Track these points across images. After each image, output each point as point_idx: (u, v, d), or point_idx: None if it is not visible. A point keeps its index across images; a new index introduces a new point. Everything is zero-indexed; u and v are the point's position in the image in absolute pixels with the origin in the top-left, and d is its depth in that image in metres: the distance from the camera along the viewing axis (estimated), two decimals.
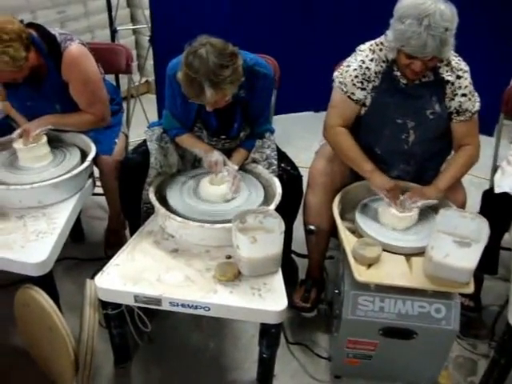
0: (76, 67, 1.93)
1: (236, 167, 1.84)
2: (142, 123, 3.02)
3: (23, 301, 1.72)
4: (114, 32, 3.05)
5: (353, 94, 1.79)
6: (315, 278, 2.06)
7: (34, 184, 1.81)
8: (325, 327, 2.02)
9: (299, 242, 2.13)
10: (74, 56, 1.92)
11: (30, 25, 1.93)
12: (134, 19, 3.85)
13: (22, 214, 1.81)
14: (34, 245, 1.68)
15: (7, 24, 1.75)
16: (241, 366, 1.89)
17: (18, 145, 1.92)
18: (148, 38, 3.00)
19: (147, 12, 2.94)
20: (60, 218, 1.80)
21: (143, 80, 3.76)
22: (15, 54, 1.76)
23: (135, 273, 1.59)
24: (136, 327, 1.75)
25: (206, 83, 1.57)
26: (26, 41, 1.82)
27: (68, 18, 3.38)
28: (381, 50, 1.75)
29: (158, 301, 1.53)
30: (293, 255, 2.19)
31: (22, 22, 1.86)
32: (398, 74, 1.74)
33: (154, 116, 2.94)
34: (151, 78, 3.76)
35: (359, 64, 1.77)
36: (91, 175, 2.05)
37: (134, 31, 3.86)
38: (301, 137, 3.24)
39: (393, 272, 1.58)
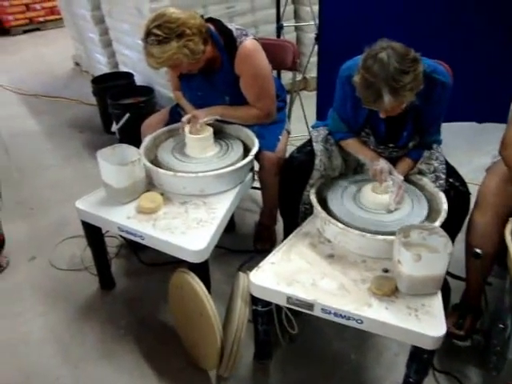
0: (249, 61, 1.97)
1: (401, 177, 1.75)
2: (300, 120, 3.05)
3: (178, 283, 1.80)
4: (279, 28, 3.09)
5: None
6: (472, 305, 1.91)
7: (199, 173, 1.88)
8: (477, 360, 1.85)
9: (453, 262, 1.98)
10: (249, 51, 1.96)
11: (209, 19, 2.02)
12: (297, 16, 3.87)
13: (185, 201, 1.89)
14: (195, 232, 1.75)
15: (190, 19, 1.84)
16: None
17: (187, 132, 2.01)
18: (311, 35, 3.00)
19: (315, 8, 2.92)
20: (220, 208, 1.85)
21: (301, 77, 3.76)
22: (195, 47, 1.84)
23: (290, 274, 1.59)
24: (281, 326, 1.75)
25: (385, 89, 1.50)
26: (205, 35, 1.90)
27: (236, 13, 3.51)
28: None
29: (310, 306, 1.51)
30: (447, 276, 2.04)
31: (202, 16, 1.94)
32: None
33: (311, 113, 2.93)
34: (309, 75, 3.76)
35: None
36: (252, 169, 2.08)
37: (296, 28, 3.88)
38: (461, 149, 3.03)
39: None
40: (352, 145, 1.89)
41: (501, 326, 1.59)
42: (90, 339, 1.99)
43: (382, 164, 1.76)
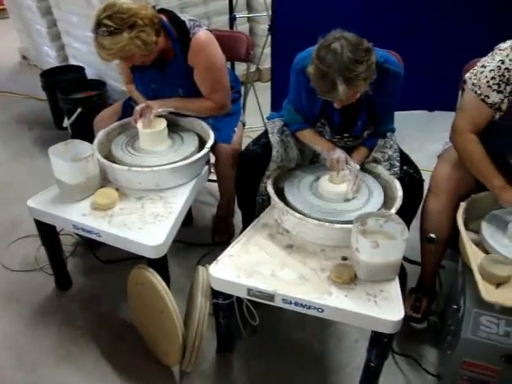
0: (203, 53, 1.95)
1: (358, 166, 1.77)
2: (254, 111, 3.04)
3: (137, 280, 1.77)
4: (232, 19, 3.06)
5: (487, 97, 1.65)
6: (428, 288, 1.96)
7: (154, 167, 1.85)
8: (434, 341, 1.91)
9: (409, 248, 2.02)
10: (202, 42, 1.94)
11: (161, 10, 1.98)
12: (249, 7, 3.85)
13: (141, 196, 1.86)
14: (152, 227, 1.72)
15: (142, 10, 1.80)
16: (342, 370, 1.83)
17: (140, 126, 1.97)
18: (264, 27, 2.98)
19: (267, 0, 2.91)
20: (177, 202, 1.83)
21: (255, 68, 3.75)
22: (147, 38, 1.80)
23: (249, 265, 1.58)
24: (243, 318, 1.75)
25: (339, 79, 1.51)
26: (157, 26, 1.86)
27: (188, 5, 3.45)
28: None
29: (271, 297, 1.51)
30: (403, 261, 2.09)
31: (154, 7, 1.90)
32: None
33: (266, 105, 2.93)
34: (263, 66, 3.75)
35: (497, 64, 1.62)
36: (208, 162, 2.06)
37: (249, 19, 3.86)
38: (414, 136, 3.10)
39: None
40: (308, 136, 1.89)
41: (454, 306, 1.63)
42: (47, 342, 1.93)
43: (339, 154, 1.78)
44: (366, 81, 1.57)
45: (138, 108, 1.99)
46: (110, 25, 1.74)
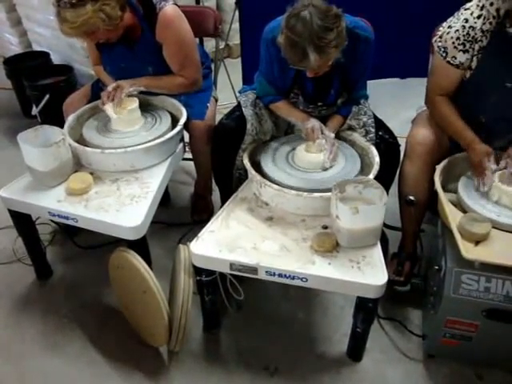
0: (171, 28, 1.91)
1: (333, 135, 1.76)
2: (225, 87, 3.00)
3: (118, 263, 1.75)
4: None
5: (454, 58, 1.66)
6: (409, 252, 1.98)
7: (128, 148, 1.82)
8: (418, 303, 1.94)
9: (389, 214, 2.04)
10: (170, 17, 1.89)
11: None
12: None
13: (116, 178, 1.83)
14: (129, 209, 1.70)
15: None
16: (330, 339, 1.85)
17: (110, 108, 1.92)
18: (231, 1, 2.93)
19: None
20: (153, 182, 1.81)
21: (223, 44, 3.70)
22: (111, 12, 1.75)
23: (230, 240, 1.58)
24: (227, 294, 1.74)
25: (310, 47, 1.49)
26: (122, 0, 1.80)
27: None
28: (491, 4, 1.58)
29: (254, 269, 1.51)
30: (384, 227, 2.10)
31: None
32: (511, 30, 1.58)
33: (237, 81, 2.89)
34: (232, 42, 3.71)
35: (462, 24, 1.62)
36: (182, 139, 2.04)
37: None
38: (387, 104, 3.09)
39: (505, 251, 1.46)
40: (282, 107, 1.88)
41: (436, 267, 1.65)
42: (31, 333, 1.90)
43: (313, 123, 1.77)
44: (338, 48, 1.55)
45: (108, 89, 1.95)
46: None
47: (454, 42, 1.64)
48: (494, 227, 1.53)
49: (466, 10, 1.64)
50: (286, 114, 1.88)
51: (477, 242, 1.50)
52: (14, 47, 3.89)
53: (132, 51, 1.97)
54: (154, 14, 1.89)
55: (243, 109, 1.88)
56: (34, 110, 2.93)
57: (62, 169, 1.79)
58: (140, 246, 1.72)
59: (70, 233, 2.23)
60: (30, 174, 1.82)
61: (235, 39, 3.58)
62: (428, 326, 1.78)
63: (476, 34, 1.61)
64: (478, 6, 1.61)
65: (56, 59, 3.40)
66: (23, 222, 1.93)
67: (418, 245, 1.99)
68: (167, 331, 1.65)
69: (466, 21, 1.61)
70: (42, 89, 2.94)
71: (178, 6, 1.97)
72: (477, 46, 1.63)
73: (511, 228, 1.53)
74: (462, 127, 1.70)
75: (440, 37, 1.68)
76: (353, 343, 1.73)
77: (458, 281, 1.53)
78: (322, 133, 1.75)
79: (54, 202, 1.75)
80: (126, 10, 1.83)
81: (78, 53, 3.16)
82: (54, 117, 2.24)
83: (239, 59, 2.91)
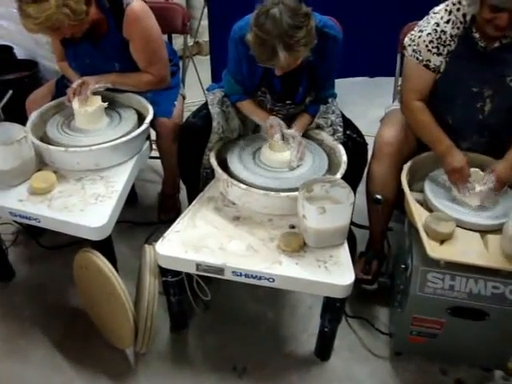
0: (138, 24, 1.87)
1: (297, 133, 1.76)
2: (194, 84, 2.97)
3: (82, 264, 1.72)
4: None
5: (429, 61, 1.67)
6: (376, 250, 1.99)
7: (92, 146, 1.78)
8: (385, 301, 1.95)
9: (356, 212, 2.05)
10: (137, 13, 1.86)
11: None
12: None
13: (80, 177, 1.79)
14: (94, 208, 1.66)
15: None
16: (298, 338, 1.85)
17: (75, 105, 1.88)
18: None
19: None
20: (118, 181, 1.78)
21: (192, 41, 3.67)
22: (76, 6, 1.71)
23: (197, 240, 1.56)
24: (194, 294, 1.72)
25: (280, 46, 1.48)
26: None
27: None
28: (458, 9, 1.61)
29: (220, 270, 1.49)
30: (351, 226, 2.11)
31: None
32: (477, 35, 1.60)
33: (206, 79, 2.87)
34: (202, 39, 3.68)
35: (433, 28, 1.63)
36: (148, 138, 2.00)
37: None
38: (356, 103, 3.13)
39: (468, 250, 1.49)
40: (247, 107, 1.87)
41: (403, 266, 1.67)
42: None
43: (273, 120, 1.77)
44: (307, 46, 1.55)
45: (73, 85, 1.90)
46: None
47: (427, 46, 1.65)
48: (458, 226, 1.55)
49: (435, 13, 1.65)
50: (249, 113, 1.87)
51: (442, 241, 1.52)
52: None
53: (97, 47, 1.93)
54: (121, 9, 1.85)
55: (210, 107, 1.86)
56: None
57: (24, 167, 1.74)
58: (105, 246, 1.69)
59: (33, 233, 2.17)
60: None
61: (205, 36, 3.54)
62: (395, 324, 1.79)
63: (446, 38, 1.63)
64: (446, 10, 1.63)
65: (20, 54, 3.30)
66: None
67: (385, 243, 2.00)
68: (133, 333, 1.62)
69: (438, 25, 1.63)
70: (4, 84, 2.85)
71: (146, 2, 1.94)
72: (446, 50, 1.65)
73: (474, 227, 1.56)
74: (439, 134, 1.70)
75: (412, 40, 1.69)
76: (321, 342, 1.73)
77: (423, 279, 1.54)
78: (282, 130, 1.75)
79: (15, 202, 1.69)
80: (91, 5, 1.79)
81: (43, 48, 3.08)
82: (17, 113, 2.18)
83: (208, 57, 2.89)
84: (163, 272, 1.61)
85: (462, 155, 1.67)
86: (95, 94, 1.92)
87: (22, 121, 1.88)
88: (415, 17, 1.81)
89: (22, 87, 2.80)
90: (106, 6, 1.86)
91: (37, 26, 1.69)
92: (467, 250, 1.49)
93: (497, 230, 1.54)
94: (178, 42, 3.00)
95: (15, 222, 2.17)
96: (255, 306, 1.96)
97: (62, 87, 2.11)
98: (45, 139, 1.88)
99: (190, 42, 3.25)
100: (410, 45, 1.70)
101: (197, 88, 3.01)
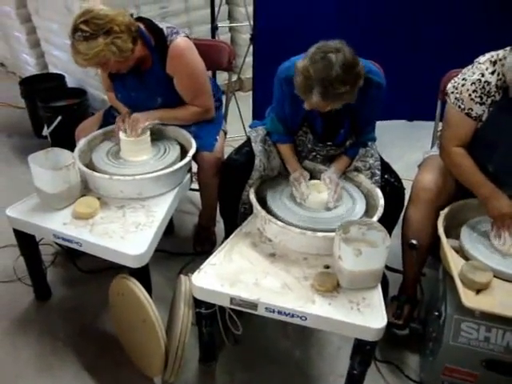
0: (182, 60, 1.95)
1: (338, 175, 1.78)
2: (236, 120, 3.05)
3: (119, 289, 1.75)
4: (214, 28, 3.07)
5: (471, 109, 1.68)
6: (409, 295, 1.97)
7: (136, 176, 1.84)
8: (415, 348, 1.92)
9: (391, 256, 2.04)
10: (180, 49, 1.94)
11: (139, 19, 1.98)
12: (231, 16, 3.87)
13: (122, 205, 1.85)
14: (133, 236, 1.71)
15: (119, 16, 1.80)
16: (325, 379, 1.83)
17: (122, 136, 1.96)
18: (245, 36, 3.00)
19: (249, 9, 2.93)
20: (159, 211, 1.82)
21: (236, 78, 3.77)
22: (122, 45, 1.80)
23: (232, 274, 1.58)
24: (225, 327, 1.74)
25: (317, 88, 1.52)
26: (134, 33, 1.86)
27: (169, 14, 3.45)
28: (503, 65, 1.62)
29: (254, 305, 1.51)
30: (385, 269, 2.10)
31: (131, 15, 1.90)
32: None
33: (247, 114, 2.94)
34: (244, 75, 3.77)
35: (478, 78, 1.64)
36: (190, 170, 2.06)
37: (231, 29, 3.88)
38: (393, 145, 3.14)
39: (505, 301, 1.46)
40: (283, 151, 1.92)
41: (436, 313, 1.65)
42: (26, 354, 1.89)
43: (297, 174, 1.82)
44: (342, 102, 1.58)
45: (125, 122, 1.99)
46: (86, 30, 1.74)
47: (470, 95, 1.66)
48: (495, 276, 1.53)
49: (480, 64, 1.66)
50: (284, 159, 1.92)
51: (478, 291, 1.50)
52: (31, 68, 3.98)
53: (142, 82, 2.01)
54: (165, 46, 1.93)
55: (252, 144, 1.90)
56: (45, 131, 2.98)
57: (70, 192, 1.81)
58: (142, 274, 1.73)
59: (72, 255, 2.24)
60: (38, 195, 1.83)
61: (247, 73, 3.64)
62: (426, 372, 1.76)
63: (491, 88, 1.63)
64: (490, 61, 1.64)
65: (71, 82, 3.46)
66: (27, 242, 1.95)
67: (418, 289, 1.98)
68: (163, 361, 1.64)
69: (482, 75, 1.63)
70: (54, 110, 2.99)
71: (190, 39, 2.02)
72: (489, 100, 1.65)
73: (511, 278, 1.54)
74: (481, 178, 1.71)
75: (455, 88, 1.70)
76: None
77: (457, 328, 1.53)
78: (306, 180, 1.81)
79: (59, 225, 1.76)
80: (137, 43, 1.88)
81: (92, 77, 3.21)
82: (65, 139, 2.28)
83: (250, 93, 2.96)
84: (197, 303, 1.63)
85: (508, 200, 1.66)
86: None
87: (69, 147, 1.95)
88: (456, 63, 1.83)
89: (70, 114, 2.94)
90: (152, 43, 1.94)
91: (86, 61, 1.80)
92: (505, 301, 1.47)
93: None
94: (221, 77, 3.11)
95: (56, 243, 2.24)
96: (284, 343, 1.96)
97: (109, 117, 2.21)
98: (91, 166, 1.95)
99: (234, 77, 3.35)
100: (452, 92, 1.71)
101: (237, 123, 3.08)
